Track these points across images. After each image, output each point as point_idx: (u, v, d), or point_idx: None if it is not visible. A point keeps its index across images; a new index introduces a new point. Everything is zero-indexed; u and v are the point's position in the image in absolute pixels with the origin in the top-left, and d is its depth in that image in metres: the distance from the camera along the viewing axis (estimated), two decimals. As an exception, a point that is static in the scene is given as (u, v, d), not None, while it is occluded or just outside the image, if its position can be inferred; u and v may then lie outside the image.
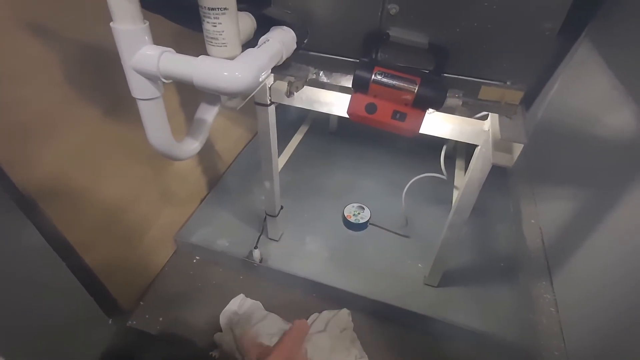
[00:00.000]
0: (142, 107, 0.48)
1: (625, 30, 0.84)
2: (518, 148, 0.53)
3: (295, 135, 1.19)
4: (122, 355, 0.73)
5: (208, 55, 0.46)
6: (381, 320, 0.86)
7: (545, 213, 1.03)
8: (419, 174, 0.90)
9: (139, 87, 0.46)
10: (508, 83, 0.53)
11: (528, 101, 1.07)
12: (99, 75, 0.65)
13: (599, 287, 0.72)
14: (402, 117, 0.52)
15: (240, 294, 0.89)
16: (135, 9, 0.41)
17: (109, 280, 0.77)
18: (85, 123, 0.65)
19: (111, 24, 0.42)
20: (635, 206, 0.67)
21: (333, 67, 0.58)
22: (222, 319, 0.84)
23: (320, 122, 1.38)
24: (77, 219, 0.68)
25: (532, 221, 1.05)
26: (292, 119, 1.37)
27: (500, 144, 0.53)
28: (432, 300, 0.87)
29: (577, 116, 0.99)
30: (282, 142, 1.18)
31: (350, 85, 0.54)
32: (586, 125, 0.92)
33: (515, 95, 0.50)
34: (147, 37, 0.44)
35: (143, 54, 0.43)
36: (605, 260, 0.72)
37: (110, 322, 0.78)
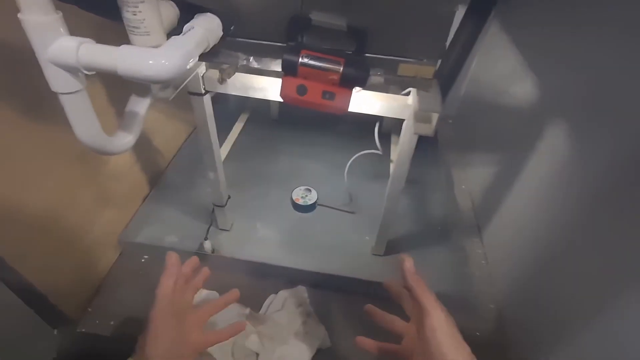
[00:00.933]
0: (65, 101, 0.46)
1: (524, 12, 0.95)
2: (435, 118, 0.59)
3: (236, 124, 1.19)
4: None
5: (131, 44, 0.46)
6: (335, 291, 0.91)
7: (473, 178, 1.15)
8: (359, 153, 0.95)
9: (58, 81, 0.44)
10: (425, 60, 0.59)
11: (450, 78, 1.17)
12: (10, 72, 0.60)
13: (518, 238, 0.83)
14: (332, 96, 0.56)
15: (194, 286, 0.89)
16: (44, -2, 0.39)
17: (50, 291, 0.73)
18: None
19: (19, 15, 0.40)
20: (538, 164, 0.78)
21: (262, 53, 0.59)
22: (178, 313, 0.84)
23: (261, 111, 1.39)
24: (5, 230, 0.63)
25: (463, 187, 1.16)
26: (232, 110, 1.36)
27: (421, 115, 0.59)
28: (380, 268, 0.94)
29: (492, 89, 1.11)
30: (224, 133, 1.18)
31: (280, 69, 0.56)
32: (499, 96, 1.04)
33: (427, 71, 0.56)
34: (62, 29, 0.42)
35: (59, 45, 0.42)
36: (521, 213, 0.83)
37: (55, 332, 0.74)
